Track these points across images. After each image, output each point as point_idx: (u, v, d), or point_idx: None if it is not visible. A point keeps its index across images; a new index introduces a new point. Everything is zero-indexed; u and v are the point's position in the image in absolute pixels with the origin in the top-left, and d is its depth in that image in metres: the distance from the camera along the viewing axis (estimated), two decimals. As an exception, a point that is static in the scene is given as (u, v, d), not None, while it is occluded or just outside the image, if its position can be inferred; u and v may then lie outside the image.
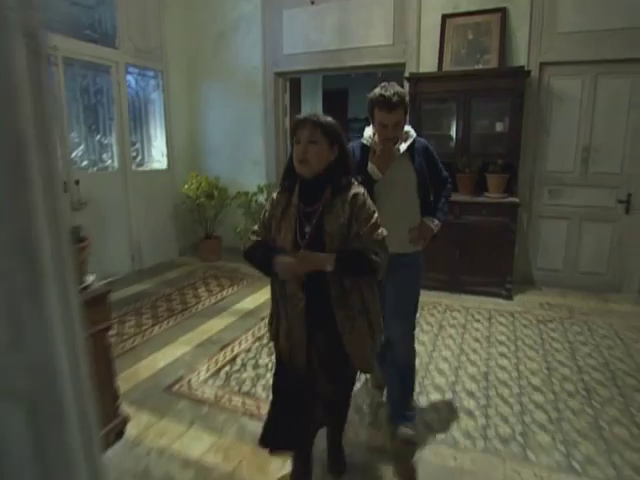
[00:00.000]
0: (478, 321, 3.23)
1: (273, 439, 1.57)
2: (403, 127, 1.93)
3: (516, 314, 3.36)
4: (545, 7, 3.59)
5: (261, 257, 1.53)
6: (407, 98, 1.91)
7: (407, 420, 1.97)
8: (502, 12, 3.71)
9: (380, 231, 1.51)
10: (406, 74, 3.89)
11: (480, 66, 3.75)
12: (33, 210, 0.46)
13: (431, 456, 1.87)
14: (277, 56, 4.47)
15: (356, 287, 1.52)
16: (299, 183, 1.55)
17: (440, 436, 1.99)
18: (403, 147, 1.96)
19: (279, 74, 4.54)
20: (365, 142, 1.99)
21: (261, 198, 4.54)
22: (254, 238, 1.61)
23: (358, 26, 4.10)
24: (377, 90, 1.86)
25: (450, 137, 3.89)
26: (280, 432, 1.56)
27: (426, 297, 3.37)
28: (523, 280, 3.93)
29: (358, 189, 1.54)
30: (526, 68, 3.60)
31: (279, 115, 4.66)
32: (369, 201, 1.54)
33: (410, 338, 2.04)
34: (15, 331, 0.47)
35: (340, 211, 1.49)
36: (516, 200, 3.60)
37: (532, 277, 3.97)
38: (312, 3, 2.86)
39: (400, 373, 2.01)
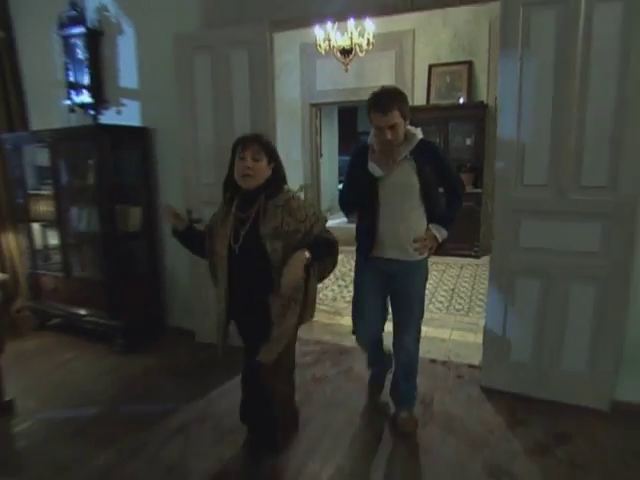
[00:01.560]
0: (453, 268, 5.14)
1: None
2: (401, 130, 1.91)
3: (479, 265, 5.25)
4: (496, 61, 5.49)
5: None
6: (404, 100, 1.92)
7: (407, 406, 2.24)
8: (469, 64, 5.63)
9: (321, 215, 1.86)
10: (404, 106, 5.81)
11: (455, 101, 5.67)
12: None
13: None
14: (312, 92, 6.40)
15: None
16: (238, 195, 1.83)
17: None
18: (405, 150, 1.95)
19: (313, 105, 6.48)
20: (369, 142, 2.04)
21: (301, 193, 6.44)
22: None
23: (370, 71, 6.00)
24: (374, 91, 1.94)
25: (436, 148, 5.79)
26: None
27: (420, 256, 5.28)
28: (487, 247, 5.79)
29: (290, 194, 1.83)
30: (485, 102, 5.51)
31: (313, 134, 6.59)
32: (302, 202, 1.84)
33: (415, 340, 2.21)
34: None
35: (272, 215, 1.76)
36: (480, 191, 5.50)
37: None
38: (346, 71, 4.66)
39: (402, 366, 2.23)
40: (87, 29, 3.28)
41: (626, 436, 2.12)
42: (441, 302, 4.06)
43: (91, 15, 3.33)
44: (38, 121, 3.77)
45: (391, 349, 2.31)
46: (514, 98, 2.25)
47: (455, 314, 3.77)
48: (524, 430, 2.18)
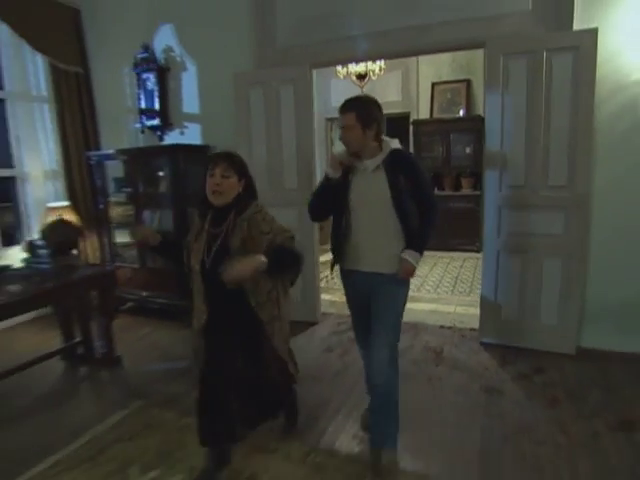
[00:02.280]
0: (457, 261, 5.99)
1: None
2: (355, 134, 1.96)
3: (479, 259, 6.06)
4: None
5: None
6: (366, 107, 1.97)
7: (387, 444, 1.99)
8: (467, 81, 6.52)
9: (289, 231, 1.91)
10: (411, 119, 6.70)
11: (455, 114, 6.54)
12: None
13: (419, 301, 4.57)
14: (327, 107, 7.28)
15: (274, 295, 1.92)
16: (211, 211, 1.91)
17: (427, 295, 4.70)
18: (377, 159, 1.99)
19: (328, 119, 7.36)
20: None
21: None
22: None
23: (380, 89, 6.83)
24: None
25: (438, 157, 6.66)
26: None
27: (427, 253, 6.12)
28: (488, 243, 6.64)
29: (258, 209, 1.91)
30: (482, 115, 6.37)
31: (328, 145, 7.47)
32: (269, 216, 1.91)
33: (386, 359, 1.94)
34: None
35: (239, 229, 1.85)
36: (479, 193, 6.35)
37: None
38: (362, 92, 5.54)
39: (376, 395, 2.00)
40: (157, 66, 4.17)
41: (585, 369, 2.94)
42: (446, 287, 4.91)
43: (159, 55, 4.21)
44: (109, 141, 4.65)
45: None
46: (498, 122, 3.11)
47: (458, 295, 4.61)
48: (511, 367, 3.02)
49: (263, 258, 1.76)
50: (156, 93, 4.21)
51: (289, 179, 3.77)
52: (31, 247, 3.23)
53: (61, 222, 3.27)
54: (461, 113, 6.54)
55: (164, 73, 4.21)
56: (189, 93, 4.20)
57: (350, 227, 2.09)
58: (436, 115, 6.65)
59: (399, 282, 2.06)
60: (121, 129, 4.58)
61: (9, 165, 4.21)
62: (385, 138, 2.08)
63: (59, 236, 2.94)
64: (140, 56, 4.21)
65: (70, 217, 4.09)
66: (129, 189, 4.18)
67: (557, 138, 2.97)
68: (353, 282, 2.17)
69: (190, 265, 1.96)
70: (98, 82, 4.63)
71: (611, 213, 2.99)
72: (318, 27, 3.55)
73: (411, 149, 6.78)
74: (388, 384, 1.99)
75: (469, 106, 6.51)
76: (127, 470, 2.17)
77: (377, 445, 2.03)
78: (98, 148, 4.62)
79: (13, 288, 2.65)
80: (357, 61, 4.20)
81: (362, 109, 1.98)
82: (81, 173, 4.52)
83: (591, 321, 3.12)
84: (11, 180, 4.27)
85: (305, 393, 2.61)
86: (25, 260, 3.28)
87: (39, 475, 2.15)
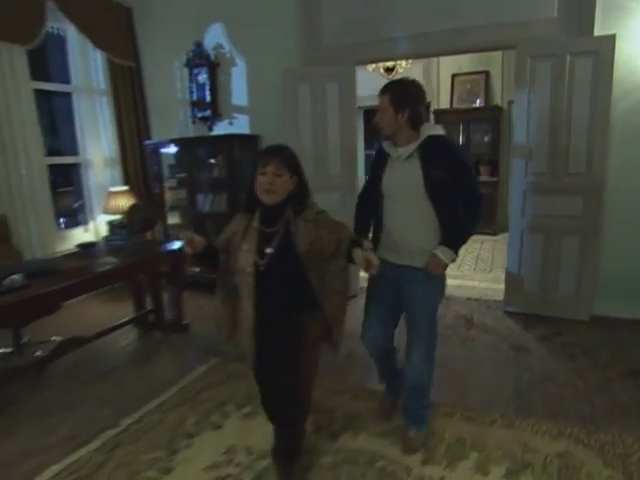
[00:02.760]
0: (476, 243, 6.48)
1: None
2: (389, 118, 1.93)
3: (497, 241, 6.57)
4: (509, 71, 6.77)
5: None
6: (407, 92, 1.92)
7: (415, 425, 2.19)
8: (486, 73, 6.92)
9: (344, 224, 1.89)
10: (432, 109, 7.11)
11: (474, 105, 6.96)
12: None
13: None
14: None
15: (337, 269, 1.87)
16: (260, 209, 1.81)
17: (452, 272, 5.19)
18: (406, 149, 1.95)
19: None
20: (383, 145, 2.06)
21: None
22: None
23: (401, 79, 7.30)
24: None
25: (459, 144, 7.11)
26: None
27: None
28: (503, 227, 7.10)
29: (318, 208, 1.85)
30: (500, 105, 6.80)
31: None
32: (329, 215, 1.87)
33: (424, 360, 2.06)
34: None
35: (306, 231, 1.77)
36: (496, 179, 6.80)
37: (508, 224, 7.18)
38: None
39: (409, 388, 2.15)
40: (208, 62, 4.60)
41: (598, 333, 3.44)
42: (469, 265, 5.41)
43: (210, 52, 4.64)
44: (159, 131, 5.10)
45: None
46: (524, 117, 3.57)
47: (480, 272, 5.11)
48: (533, 330, 3.52)
49: (366, 243, 1.91)
50: (207, 87, 4.66)
51: (333, 166, 4.23)
52: (111, 226, 3.71)
53: (143, 204, 3.74)
54: (477, 103, 6.95)
55: (214, 68, 4.65)
56: (238, 86, 4.64)
57: (383, 216, 2.08)
58: (456, 105, 7.07)
59: (432, 280, 2.02)
60: (171, 119, 5.04)
61: (75, 152, 4.69)
62: (425, 124, 2.00)
63: (143, 215, 3.41)
64: (192, 52, 4.64)
65: (129, 201, 4.58)
66: (183, 175, 4.66)
67: (577, 132, 3.43)
68: (384, 273, 1.95)
69: (237, 267, 1.83)
70: (148, 76, 5.06)
71: (623, 197, 3.45)
72: (362, 28, 3.98)
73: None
74: (424, 380, 2.13)
75: (487, 96, 6.93)
76: (224, 407, 2.67)
77: (409, 424, 2.22)
78: (149, 137, 5.08)
79: (111, 259, 3.14)
80: (398, 60, 4.63)
81: (397, 92, 1.94)
82: (135, 160, 4.99)
83: (603, 292, 3.62)
84: (75, 166, 4.75)
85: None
86: (104, 238, 3.77)
87: (149, 413, 2.66)
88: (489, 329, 3.58)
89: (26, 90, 4.06)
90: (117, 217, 3.92)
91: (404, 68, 5.83)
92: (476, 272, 5.14)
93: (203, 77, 4.66)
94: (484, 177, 6.92)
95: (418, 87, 1.99)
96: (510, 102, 6.90)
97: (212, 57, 4.63)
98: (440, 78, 7.13)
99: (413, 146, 1.95)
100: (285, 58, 4.29)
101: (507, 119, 6.89)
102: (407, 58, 4.36)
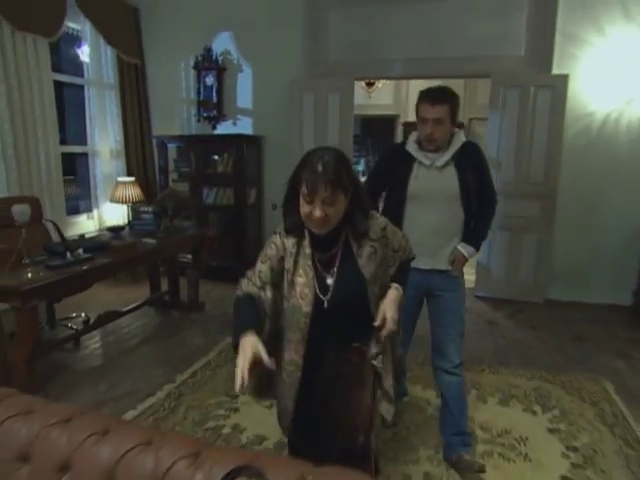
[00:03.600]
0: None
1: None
2: (445, 129, 1.90)
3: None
4: (470, 92, 7.78)
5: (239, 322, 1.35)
6: (456, 101, 1.91)
7: (464, 446, 2.09)
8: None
9: (405, 235, 1.64)
10: (401, 121, 7.96)
11: (438, 119, 7.88)
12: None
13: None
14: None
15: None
16: (309, 232, 1.43)
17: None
18: (441, 156, 1.95)
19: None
20: (408, 149, 2.02)
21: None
22: (246, 288, 1.45)
23: (375, 93, 8.08)
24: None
25: (423, 154, 8.00)
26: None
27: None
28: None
29: (381, 221, 1.52)
30: (462, 120, 7.77)
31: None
32: (390, 224, 1.55)
33: (461, 361, 2.11)
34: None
35: (371, 252, 1.45)
36: (456, 187, 7.75)
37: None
38: (369, 97, 6.67)
39: (454, 398, 2.12)
40: (216, 66, 5.09)
41: (550, 311, 4.34)
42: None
43: (218, 56, 5.13)
44: (159, 126, 5.48)
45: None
46: (496, 135, 4.42)
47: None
48: (501, 310, 4.36)
49: (399, 289, 1.55)
50: (214, 89, 5.13)
51: (331, 168, 4.87)
52: (135, 212, 4.10)
53: (174, 192, 4.17)
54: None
55: (221, 72, 5.14)
56: (243, 90, 5.17)
57: (404, 219, 2.05)
58: (422, 118, 7.96)
59: (459, 284, 2.13)
60: (174, 116, 5.45)
61: (84, 142, 4.97)
62: (455, 130, 2.03)
63: (176, 202, 3.85)
64: (201, 56, 5.11)
65: (135, 190, 4.96)
66: (187, 169, 5.09)
67: (537, 149, 4.33)
68: (410, 281, 1.79)
69: (287, 306, 1.47)
70: (152, 74, 5.44)
71: (571, 203, 4.39)
72: (361, 49, 4.68)
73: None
74: (462, 385, 2.17)
75: (450, 113, 7.89)
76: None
77: (462, 447, 2.09)
78: (150, 132, 5.45)
79: (151, 240, 3.57)
80: (391, 79, 5.36)
81: (454, 103, 1.92)
82: (137, 152, 5.34)
83: (555, 280, 4.53)
84: (79, 156, 5.03)
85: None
86: (129, 223, 4.15)
87: (200, 370, 3.14)
88: (466, 309, 4.35)
89: (48, 81, 4.35)
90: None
91: (383, 83, 6.59)
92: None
93: (211, 80, 5.14)
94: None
95: None
96: (471, 119, 7.91)
97: (220, 62, 5.12)
98: (409, 93, 8.00)
99: (449, 154, 1.98)
100: (290, 69, 4.89)
101: (469, 134, 7.88)
102: (400, 79, 5.11)
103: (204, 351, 3.44)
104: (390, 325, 1.46)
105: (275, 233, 1.51)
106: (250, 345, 1.27)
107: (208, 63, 5.11)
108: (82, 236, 3.42)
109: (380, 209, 2.18)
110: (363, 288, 1.46)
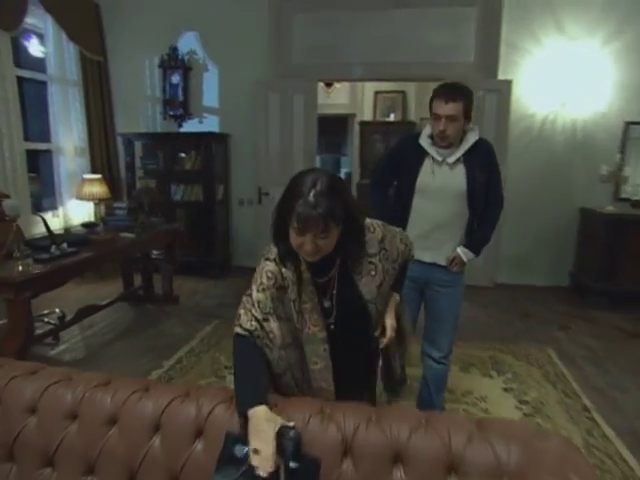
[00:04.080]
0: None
1: None
2: (458, 126, 1.91)
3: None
4: (421, 93, 8.27)
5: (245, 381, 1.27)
6: (470, 98, 1.91)
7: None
8: (403, 92, 8.34)
9: (404, 236, 1.53)
10: (357, 120, 8.33)
11: (393, 119, 8.33)
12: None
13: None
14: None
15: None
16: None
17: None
18: (453, 153, 1.97)
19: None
20: (421, 142, 2.04)
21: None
22: (247, 325, 1.33)
23: (334, 96, 8.42)
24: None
25: (379, 152, 8.42)
26: None
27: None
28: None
29: (377, 231, 1.41)
30: (414, 120, 8.25)
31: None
32: (387, 231, 1.44)
33: (447, 357, 2.26)
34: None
35: (370, 267, 1.38)
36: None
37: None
38: (328, 97, 6.95)
39: (433, 381, 2.31)
40: (182, 65, 5.21)
41: (499, 293, 4.83)
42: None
43: (184, 56, 5.24)
44: (123, 124, 5.52)
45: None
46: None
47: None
48: (455, 294, 4.78)
49: (396, 296, 1.56)
50: (180, 87, 5.25)
51: (297, 164, 5.12)
52: (108, 208, 4.18)
53: (150, 188, 4.26)
54: (391, 117, 8.34)
55: (187, 71, 5.27)
56: (209, 89, 5.32)
57: (411, 211, 2.11)
58: (378, 118, 8.37)
59: (458, 280, 2.21)
60: (138, 114, 5.51)
61: (47, 140, 4.94)
62: (468, 126, 2.03)
63: (151, 198, 3.97)
64: (167, 55, 5.21)
65: (101, 188, 5.00)
66: (156, 166, 5.18)
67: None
68: (411, 273, 1.84)
69: (307, 335, 1.39)
70: (116, 71, 5.47)
71: (516, 195, 4.87)
72: (324, 52, 4.97)
73: (357, 146, 8.45)
74: (446, 374, 2.32)
75: (404, 113, 8.35)
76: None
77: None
78: (114, 129, 5.48)
79: (129, 235, 3.68)
80: (353, 81, 5.67)
81: (468, 100, 1.93)
82: (101, 150, 5.36)
83: (503, 265, 5.03)
84: (46, 153, 4.99)
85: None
86: (101, 219, 4.21)
87: (185, 356, 3.33)
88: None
89: (11, 76, 4.33)
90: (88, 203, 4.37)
91: (341, 84, 6.92)
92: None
93: (177, 78, 5.25)
94: (400, 181, 8.33)
95: None
96: (422, 119, 8.41)
97: (186, 61, 5.24)
98: (365, 94, 8.39)
99: (461, 151, 2.01)
100: (255, 69, 5.10)
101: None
102: (360, 81, 5.43)
103: (186, 339, 3.62)
104: (389, 333, 1.48)
105: (267, 260, 1.39)
106: (271, 427, 1.10)
107: (174, 62, 5.23)
108: (67, 230, 3.49)
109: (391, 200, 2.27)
110: (364, 308, 1.42)
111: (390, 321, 1.52)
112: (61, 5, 4.76)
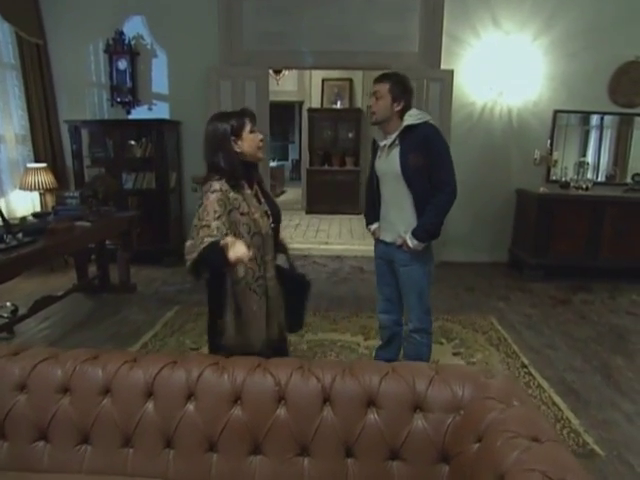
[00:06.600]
0: (345, 221, 8.06)
1: None
2: (383, 104, 2.12)
3: (360, 219, 8.28)
4: (367, 81, 8.50)
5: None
6: (404, 85, 2.15)
7: None
8: (350, 80, 8.54)
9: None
10: (305, 107, 8.46)
11: (340, 106, 8.53)
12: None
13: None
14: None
15: None
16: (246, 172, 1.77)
17: (336, 241, 6.64)
18: (389, 139, 2.17)
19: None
20: (374, 134, 2.41)
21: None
22: (215, 236, 1.54)
23: (281, 80, 8.47)
24: None
25: (328, 139, 8.60)
26: None
27: (323, 217, 8.03)
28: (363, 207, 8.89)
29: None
30: (361, 108, 8.50)
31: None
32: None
33: (419, 332, 2.38)
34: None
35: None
36: (359, 169, 8.48)
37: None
38: (277, 84, 7.02)
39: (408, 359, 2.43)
40: (129, 50, 5.11)
41: (446, 271, 5.15)
42: (346, 236, 6.94)
43: (130, 40, 5.14)
44: (67, 110, 5.34)
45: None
46: (398, 120, 5.09)
47: (358, 239, 6.64)
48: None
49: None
50: (128, 73, 5.15)
51: (251, 151, 5.21)
52: (59, 197, 4.10)
53: (105, 176, 4.20)
54: (339, 104, 8.54)
55: (135, 57, 5.18)
56: (158, 76, 5.27)
57: (380, 198, 2.37)
58: (326, 105, 8.54)
59: (416, 259, 2.28)
60: (83, 100, 5.36)
61: (-16, 127, 4.72)
62: (409, 112, 2.21)
63: (106, 186, 3.93)
64: (112, 40, 5.09)
65: (47, 177, 4.86)
66: (105, 154, 5.08)
67: (431, 133, 5.08)
68: (377, 249, 2.50)
69: (261, 234, 1.81)
70: (57, 55, 5.28)
71: (459, 178, 5.20)
72: (275, 40, 5.06)
73: (306, 132, 8.58)
74: (421, 354, 2.41)
75: (351, 100, 8.57)
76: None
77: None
78: (56, 117, 5.29)
79: (85, 223, 3.64)
80: (303, 69, 5.78)
81: (397, 83, 2.15)
82: (44, 137, 5.17)
83: (448, 245, 5.39)
84: (-18, 141, 4.76)
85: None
86: (52, 208, 4.12)
87: (150, 342, 3.38)
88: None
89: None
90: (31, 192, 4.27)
91: (289, 72, 7.02)
92: (354, 239, 6.68)
93: (124, 64, 5.15)
94: (349, 166, 8.57)
95: (410, 82, 2.28)
96: (368, 106, 8.67)
97: (132, 46, 5.15)
98: (312, 81, 8.52)
99: (395, 134, 2.19)
100: (206, 56, 5.10)
101: (366, 120, 8.64)
102: (310, 69, 5.56)
103: (149, 325, 3.66)
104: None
105: (213, 192, 1.66)
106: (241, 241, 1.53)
107: (120, 47, 5.12)
108: (23, 219, 3.41)
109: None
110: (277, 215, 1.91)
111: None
112: (-5, -16, 4.54)
